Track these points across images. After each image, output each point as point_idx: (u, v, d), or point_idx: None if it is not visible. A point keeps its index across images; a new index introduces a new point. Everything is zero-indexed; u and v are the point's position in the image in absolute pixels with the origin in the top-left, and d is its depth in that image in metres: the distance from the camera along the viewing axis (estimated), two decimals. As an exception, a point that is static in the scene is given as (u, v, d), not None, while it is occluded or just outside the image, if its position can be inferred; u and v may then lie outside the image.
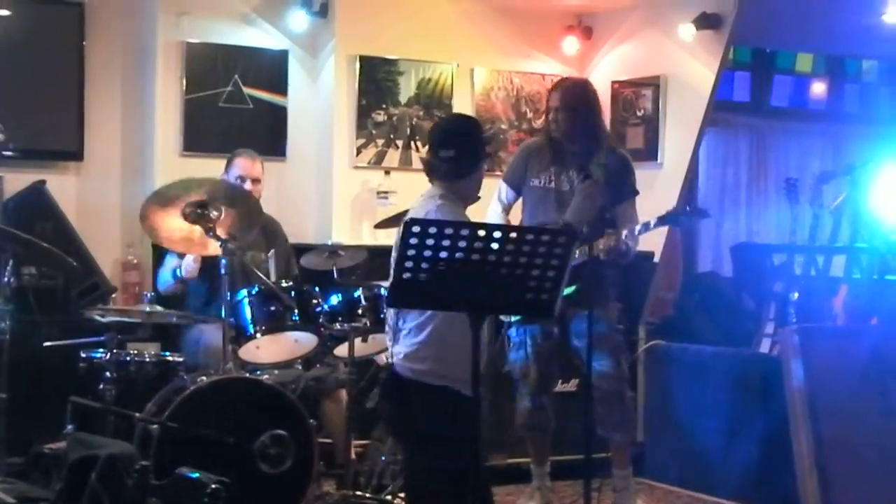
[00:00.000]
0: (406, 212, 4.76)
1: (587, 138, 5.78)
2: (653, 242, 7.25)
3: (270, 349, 5.66)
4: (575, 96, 5.83)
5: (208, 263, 5.86)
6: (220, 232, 5.45)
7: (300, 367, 5.88)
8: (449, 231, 3.60)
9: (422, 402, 4.29)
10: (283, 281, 5.84)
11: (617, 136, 7.69)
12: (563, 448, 6.11)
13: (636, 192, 5.89)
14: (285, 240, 6.50)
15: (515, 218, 6.11)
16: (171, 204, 5.46)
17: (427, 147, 4.75)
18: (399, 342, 4.44)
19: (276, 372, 5.67)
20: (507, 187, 6.00)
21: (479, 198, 4.69)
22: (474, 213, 4.70)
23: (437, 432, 4.15)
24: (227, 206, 5.53)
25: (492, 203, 5.97)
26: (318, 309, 5.66)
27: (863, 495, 5.32)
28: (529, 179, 5.90)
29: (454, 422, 4.08)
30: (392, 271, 3.75)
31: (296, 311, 5.61)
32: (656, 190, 7.30)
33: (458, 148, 4.45)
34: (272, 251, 6.08)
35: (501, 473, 6.33)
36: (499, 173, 6.89)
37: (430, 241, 3.59)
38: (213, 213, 5.46)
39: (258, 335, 5.57)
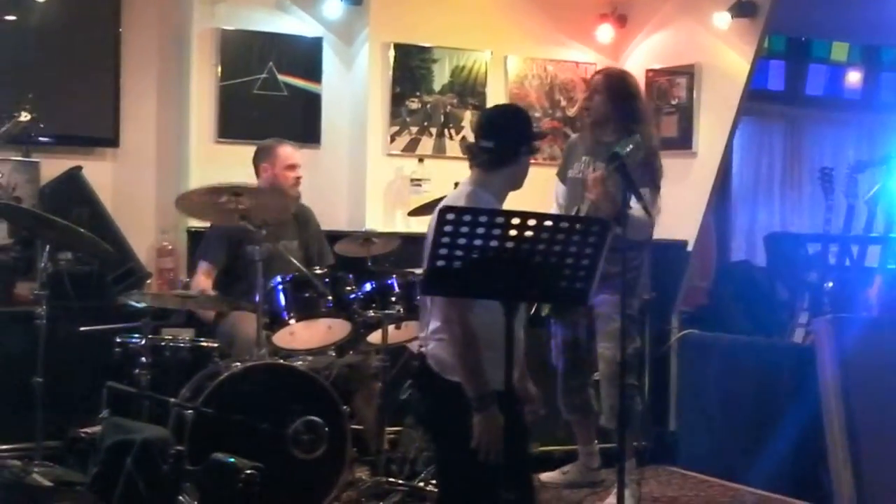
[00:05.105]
0: (440, 199, 4.74)
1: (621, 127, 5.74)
2: (686, 231, 7.23)
3: (304, 336, 5.69)
4: (614, 82, 5.90)
5: (241, 252, 5.91)
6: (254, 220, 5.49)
7: (333, 354, 5.90)
8: (483, 219, 3.60)
9: (450, 399, 4.22)
10: (317, 268, 5.87)
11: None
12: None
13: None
14: (318, 226, 6.52)
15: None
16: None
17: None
18: (428, 337, 4.33)
19: (309, 358, 5.69)
20: (558, 182, 6.09)
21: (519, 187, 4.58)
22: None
23: (466, 429, 4.11)
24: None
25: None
26: (352, 296, 5.68)
27: (897, 486, 5.30)
28: (567, 171, 5.98)
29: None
30: (426, 259, 3.74)
31: (329, 297, 5.64)
32: (690, 179, 7.27)
33: (497, 139, 4.32)
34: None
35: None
36: (541, 161, 6.97)
37: (464, 229, 3.59)
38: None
39: (292, 322, 5.60)
